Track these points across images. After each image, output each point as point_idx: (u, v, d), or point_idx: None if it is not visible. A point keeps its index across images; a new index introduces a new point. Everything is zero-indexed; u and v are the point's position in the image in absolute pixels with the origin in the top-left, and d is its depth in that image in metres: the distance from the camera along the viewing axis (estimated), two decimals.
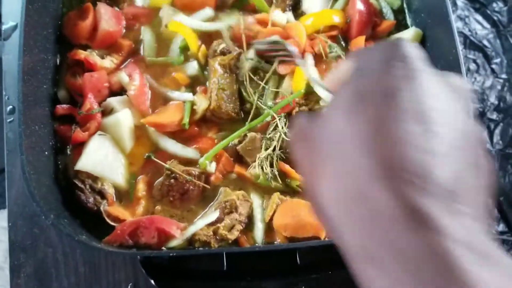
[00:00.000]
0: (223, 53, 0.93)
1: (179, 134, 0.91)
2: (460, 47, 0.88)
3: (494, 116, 2.18)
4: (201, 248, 0.81)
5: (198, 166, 0.88)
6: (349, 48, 0.95)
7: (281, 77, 0.94)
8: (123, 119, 0.86)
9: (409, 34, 0.95)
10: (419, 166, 0.28)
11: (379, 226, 0.28)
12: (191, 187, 0.86)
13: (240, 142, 0.89)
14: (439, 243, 0.26)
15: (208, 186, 0.87)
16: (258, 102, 0.90)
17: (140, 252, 0.79)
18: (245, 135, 0.89)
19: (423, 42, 0.96)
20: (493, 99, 2.20)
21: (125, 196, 0.87)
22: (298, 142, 0.37)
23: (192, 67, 0.93)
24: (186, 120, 0.89)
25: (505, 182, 2.10)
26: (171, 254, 0.74)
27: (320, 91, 0.72)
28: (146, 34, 0.96)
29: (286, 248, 0.81)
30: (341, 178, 0.31)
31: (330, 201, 0.32)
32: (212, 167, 0.88)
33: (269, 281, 0.81)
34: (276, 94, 0.93)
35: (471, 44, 2.26)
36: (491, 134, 2.15)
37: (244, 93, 0.92)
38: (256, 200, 0.87)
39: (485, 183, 0.32)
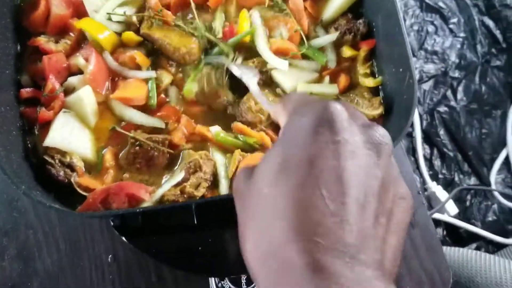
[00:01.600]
0: (142, 19, 0.98)
1: (142, 105, 0.96)
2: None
3: (456, 74, 2.26)
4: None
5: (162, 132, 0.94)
6: None
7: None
8: (85, 96, 0.91)
9: None
10: (326, 230, 0.33)
11: (286, 277, 0.34)
12: (156, 153, 0.91)
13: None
14: (329, 286, 0.32)
15: (172, 151, 0.92)
16: (206, 34, 0.95)
17: (112, 210, 0.83)
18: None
19: None
20: (453, 57, 2.28)
21: (94, 168, 0.91)
22: (236, 198, 0.43)
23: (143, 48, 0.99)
24: (154, 102, 0.94)
25: (472, 137, 2.18)
26: (138, 210, 0.78)
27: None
28: None
29: None
30: (260, 237, 0.37)
31: (251, 253, 0.38)
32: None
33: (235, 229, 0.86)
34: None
35: (428, 7, 2.34)
36: (454, 91, 2.22)
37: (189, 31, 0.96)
38: (219, 158, 0.92)
39: (398, 225, 0.38)
